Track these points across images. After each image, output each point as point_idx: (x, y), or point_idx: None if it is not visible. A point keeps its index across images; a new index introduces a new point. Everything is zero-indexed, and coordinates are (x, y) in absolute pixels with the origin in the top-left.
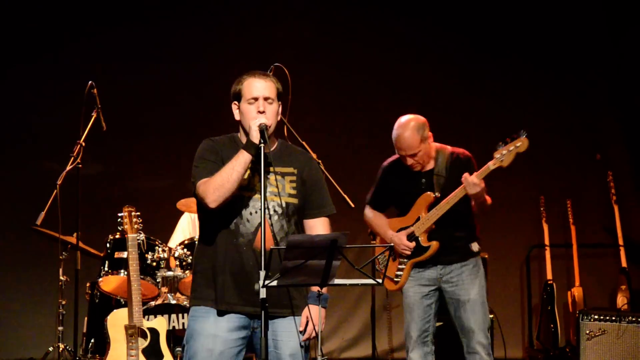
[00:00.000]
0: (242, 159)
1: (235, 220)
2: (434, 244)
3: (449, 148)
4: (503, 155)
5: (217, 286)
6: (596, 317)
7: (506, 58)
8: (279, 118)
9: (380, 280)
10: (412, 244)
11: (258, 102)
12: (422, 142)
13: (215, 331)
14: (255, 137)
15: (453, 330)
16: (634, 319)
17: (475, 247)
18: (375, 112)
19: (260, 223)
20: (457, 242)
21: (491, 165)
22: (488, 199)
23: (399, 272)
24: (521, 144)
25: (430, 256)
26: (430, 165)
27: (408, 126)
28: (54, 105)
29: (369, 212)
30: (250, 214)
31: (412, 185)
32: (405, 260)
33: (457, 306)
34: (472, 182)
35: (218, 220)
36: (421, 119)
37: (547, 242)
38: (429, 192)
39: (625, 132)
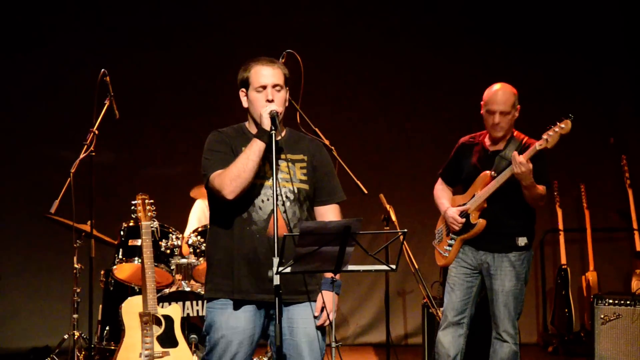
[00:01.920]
0: (256, 147)
1: (247, 208)
2: (481, 222)
3: (525, 137)
4: (550, 136)
5: (233, 276)
6: (611, 301)
7: (521, 44)
8: (287, 104)
9: (393, 266)
10: (461, 219)
11: (267, 90)
12: (513, 108)
13: (235, 323)
14: (267, 124)
15: (487, 312)
16: None
17: (521, 241)
18: (389, 100)
19: (273, 210)
20: (504, 230)
21: (537, 145)
22: (540, 187)
23: (447, 247)
24: (565, 125)
25: (476, 234)
26: (499, 146)
27: (508, 87)
28: (67, 94)
29: (437, 185)
30: (262, 201)
31: (476, 164)
32: (455, 236)
33: (492, 295)
34: (519, 160)
35: (230, 209)
36: (516, 90)
37: (561, 226)
38: (486, 171)
39: (638, 116)
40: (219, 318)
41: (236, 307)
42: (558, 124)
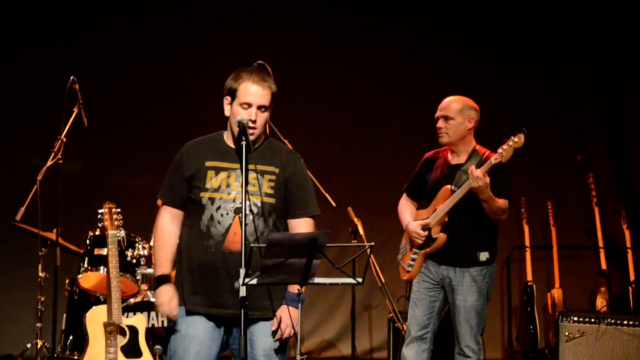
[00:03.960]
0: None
1: (206, 222)
2: (442, 236)
3: (487, 152)
4: (504, 150)
5: (184, 287)
6: (575, 318)
7: (488, 60)
8: (268, 120)
9: (360, 280)
10: (423, 232)
11: (250, 109)
12: (460, 115)
13: (193, 332)
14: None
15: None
16: (613, 321)
17: (483, 256)
18: (359, 112)
19: (231, 224)
20: (465, 244)
21: (493, 160)
22: (500, 201)
23: (411, 262)
24: (518, 139)
25: (438, 248)
26: (460, 160)
27: (459, 96)
28: (35, 100)
29: (402, 200)
30: (222, 215)
31: (438, 178)
32: (417, 251)
33: (453, 310)
34: (475, 174)
35: (190, 222)
36: (473, 103)
37: (527, 243)
38: (447, 186)
39: (606, 134)
40: (178, 326)
41: (195, 316)
42: (512, 137)
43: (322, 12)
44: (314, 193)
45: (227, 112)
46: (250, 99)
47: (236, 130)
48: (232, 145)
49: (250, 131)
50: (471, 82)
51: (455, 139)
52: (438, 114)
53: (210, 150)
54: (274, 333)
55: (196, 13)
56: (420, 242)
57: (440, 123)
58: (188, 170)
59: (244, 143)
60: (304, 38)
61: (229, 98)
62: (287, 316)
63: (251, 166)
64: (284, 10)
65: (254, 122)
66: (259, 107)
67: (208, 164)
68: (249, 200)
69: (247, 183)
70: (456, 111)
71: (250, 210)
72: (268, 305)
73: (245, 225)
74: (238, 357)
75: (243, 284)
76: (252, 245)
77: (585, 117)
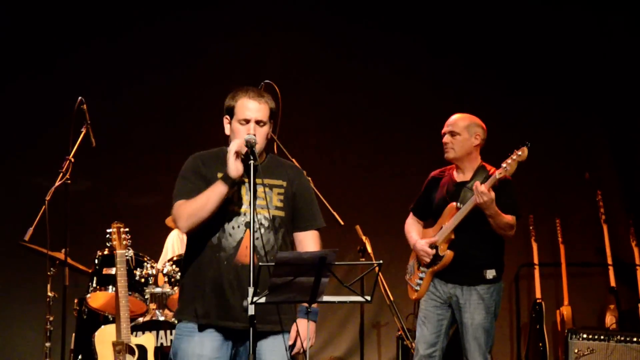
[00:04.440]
0: (218, 190)
1: (218, 234)
2: (448, 253)
3: (492, 169)
4: (508, 164)
5: (199, 301)
6: (585, 336)
7: (497, 78)
8: (269, 137)
9: (369, 298)
10: (430, 250)
11: (249, 125)
12: (467, 131)
13: (200, 351)
14: (232, 168)
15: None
16: (622, 338)
17: (490, 274)
18: (367, 130)
19: (243, 238)
20: (471, 262)
21: (497, 174)
22: (507, 217)
23: (419, 281)
24: (522, 152)
25: (445, 266)
26: (466, 178)
27: (466, 114)
28: (43, 121)
29: (408, 220)
30: (233, 228)
31: (444, 196)
32: (425, 269)
33: (461, 328)
34: (480, 190)
35: (202, 234)
36: (480, 121)
37: (536, 260)
38: (453, 203)
39: (614, 152)
40: (184, 345)
41: (203, 334)
42: (515, 151)
43: (330, 30)
44: (318, 206)
45: (227, 131)
46: (248, 115)
47: (228, 155)
48: None
49: None
50: (479, 100)
51: (460, 155)
52: (445, 129)
53: (218, 162)
54: (292, 347)
55: (203, 32)
56: (428, 260)
57: (447, 138)
58: (205, 176)
59: (251, 162)
60: (312, 57)
61: (227, 117)
62: (304, 330)
63: (259, 180)
64: (290, 28)
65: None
66: (257, 122)
67: (219, 175)
68: (259, 213)
69: (256, 197)
70: (463, 127)
71: (261, 224)
72: (277, 319)
73: (256, 239)
74: None
75: (251, 303)
76: (260, 264)
77: (594, 135)
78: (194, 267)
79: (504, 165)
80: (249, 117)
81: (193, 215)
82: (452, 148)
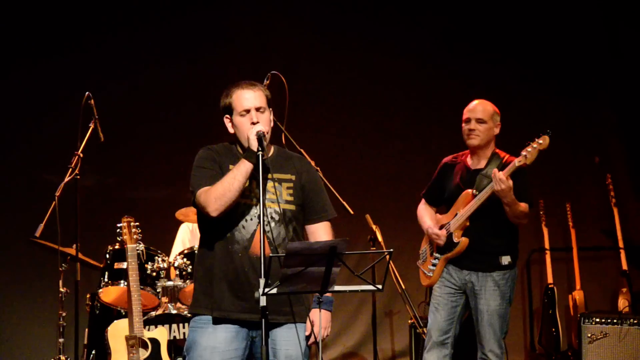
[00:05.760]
0: (244, 168)
1: (231, 227)
2: (463, 240)
3: (506, 155)
4: (528, 152)
5: (213, 293)
6: (598, 320)
7: (505, 62)
8: (272, 124)
9: (380, 287)
10: (442, 232)
11: (250, 113)
12: (492, 120)
13: (214, 343)
14: (254, 145)
15: (471, 331)
16: (635, 321)
17: (505, 260)
18: (375, 119)
19: (256, 230)
20: (487, 249)
21: (516, 162)
22: (522, 205)
23: (432, 267)
24: (543, 141)
25: (459, 253)
26: (481, 165)
27: (486, 101)
28: (51, 117)
29: (420, 205)
30: (246, 220)
31: (458, 183)
32: (438, 255)
33: (476, 314)
34: (499, 177)
35: (215, 227)
36: (498, 110)
37: (547, 245)
38: (468, 190)
39: (624, 135)
40: (199, 338)
41: (217, 326)
42: (536, 139)
43: (337, 19)
44: (327, 196)
45: (231, 130)
46: (246, 105)
47: (246, 142)
48: None
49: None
50: (486, 86)
51: (484, 143)
52: (469, 115)
53: (229, 155)
54: (308, 337)
55: (209, 24)
56: (442, 242)
57: (474, 125)
58: (219, 166)
59: (261, 153)
60: (318, 46)
61: (227, 116)
62: (321, 319)
63: (268, 176)
64: (298, 16)
65: (257, 122)
66: (257, 109)
67: (232, 167)
68: (270, 207)
69: (266, 191)
70: (489, 116)
71: (272, 218)
72: (290, 311)
73: (270, 232)
74: None
75: (263, 294)
76: (271, 255)
77: (602, 118)
78: (208, 260)
79: (523, 153)
80: (249, 107)
81: (222, 196)
82: (478, 135)
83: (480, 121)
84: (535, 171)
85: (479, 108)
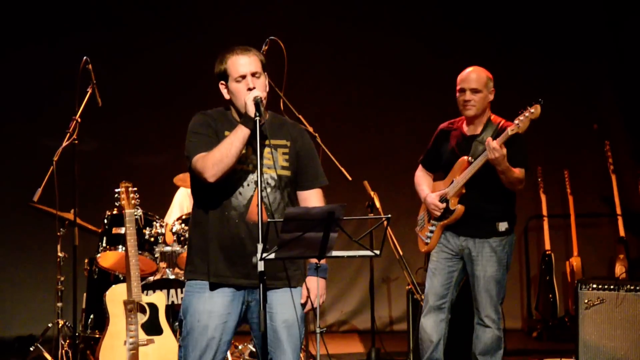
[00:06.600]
0: (241, 133)
1: (227, 193)
2: (459, 207)
3: (502, 121)
4: (520, 121)
5: (209, 259)
6: (594, 286)
7: (503, 28)
8: (267, 89)
9: (378, 252)
10: (441, 204)
11: (246, 79)
12: (486, 88)
13: (211, 307)
14: (251, 111)
15: (468, 298)
16: (632, 287)
17: (502, 226)
18: (373, 87)
19: (252, 196)
20: (484, 215)
21: (509, 131)
22: (517, 171)
23: (429, 234)
24: (535, 110)
25: (456, 220)
26: (476, 131)
27: (480, 68)
28: (49, 82)
29: (418, 172)
30: (242, 186)
31: (454, 149)
32: (436, 222)
33: (473, 280)
34: (492, 146)
35: (210, 193)
36: (490, 75)
37: (544, 212)
38: (463, 157)
39: (622, 102)
40: (195, 302)
41: (213, 291)
42: (528, 108)
43: None
44: (320, 164)
45: (226, 96)
46: (242, 70)
47: (243, 109)
48: None
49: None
50: (481, 53)
51: (480, 112)
52: (463, 85)
53: (225, 120)
54: (304, 305)
55: None
56: (439, 214)
57: (469, 95)
58: (215, 132)
59: (258, 118)
60: (317, 11)
61: (223, 82)
62: (315, 287)
63: (266, 141)
64: None
65: (253, 88)
66: (253, 74)
67: (227, 133)
68: (266, 173)
69: (263, 154)
70: (483, 84)
71: (268, 184)
72: (286, 276)
73: (266, 198)
74: (257, 330)
75: (261, 259)
76: (268, 220)
77: (601, 85)
78: (203, 226)
79: (516, 122)
80: (244, 72)
81: (220, 162)
82: (473, 106)
83: (474, 91)
84: (533, 138)
85: (472, 77)
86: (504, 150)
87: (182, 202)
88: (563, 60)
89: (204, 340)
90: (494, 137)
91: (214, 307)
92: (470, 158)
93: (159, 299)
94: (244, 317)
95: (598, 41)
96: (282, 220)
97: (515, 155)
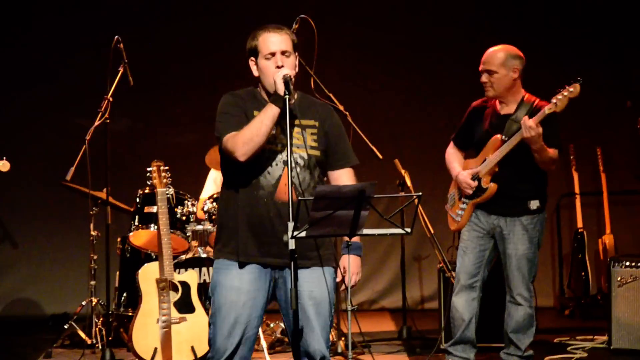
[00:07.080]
0: (271, 112)
1: (256, 172)
2: (492, 186)
3: (536, 100)
4: (559, 100)
5: (238, 238)
6: (627, 264)
7: (535, 9)
8: (297, 69)
9: (409, 230)
10: (473, 182)
11: (276, 56)
12: (504, 67)
13: (239, 284)
14: (280, 89)
15: (500, 276)
16: None
17: (533, 204)
18: (405, 65)
19: (281, 175)
20: (516, 194)
21: (547, 109)
22: (551, 151)
23: (460, 212)
24: (574, 89)
25: (488, 198)
26: (510, 110)
27: (499, 46)
28: (81, 61)
29: (449, 149)
30: (272, 166)
31: (487, 128)
32: (467, 200)
33: (505, 259)
34: (528, 124)
35: (239, 173)
36: (516, 51)
37: (577, 190)
38: (497, 135)
39: None
40: (223, 279)
41: (241, 268)
42: (567, 87)
43: None
44: (350, 143)
45: (255, 72)
46: (272, 48)
47: (272, 87)
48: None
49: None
50: (516, 31)
51: (501, 92)
52: (481, 67)
53: (253, 100)
54: (339, 284)
55: None
56: (470, 192)
57: (484, 77)
58: (244, 112)
59: (287, 97)
60: None
61: (253, 58)
62: (351, 265)
63: (296, 121)
64: None
65: (282, 66)
66: (283, 53)
67: (256, 113)
68: (295, 152)
69: (292, 133)
70: (499, 64)
71: (297, 163)
72: (317, 255)
73: (295, 177)
74: (285, 308)
75: (292, 237)
76: (299, 198)
77: (635, 62)
78: (232, 205)
79: (554, 100)
80: (274, 50)
81: (250, 141)
82: (490, 87)
83: (490, 72)
84: (566, 116)
85: (487, 59)
86: (540, 129)
87: (216, 178)
88: (596, 38)
89: (231, 316)
90: (530, 116)
91: (242, 284)
92: (503, 137)
93: (191, 277)
94: (273, 293)
95: (631, 17)
96: (313, 198)
97: (549, 135)
